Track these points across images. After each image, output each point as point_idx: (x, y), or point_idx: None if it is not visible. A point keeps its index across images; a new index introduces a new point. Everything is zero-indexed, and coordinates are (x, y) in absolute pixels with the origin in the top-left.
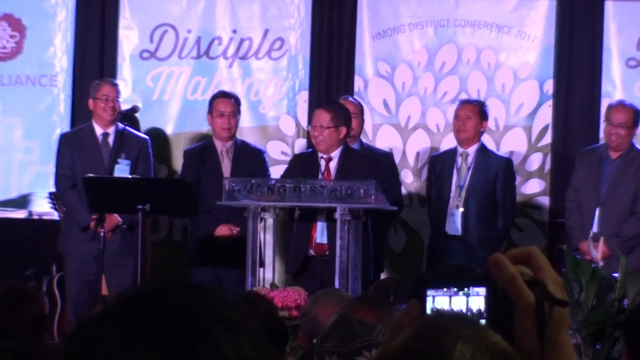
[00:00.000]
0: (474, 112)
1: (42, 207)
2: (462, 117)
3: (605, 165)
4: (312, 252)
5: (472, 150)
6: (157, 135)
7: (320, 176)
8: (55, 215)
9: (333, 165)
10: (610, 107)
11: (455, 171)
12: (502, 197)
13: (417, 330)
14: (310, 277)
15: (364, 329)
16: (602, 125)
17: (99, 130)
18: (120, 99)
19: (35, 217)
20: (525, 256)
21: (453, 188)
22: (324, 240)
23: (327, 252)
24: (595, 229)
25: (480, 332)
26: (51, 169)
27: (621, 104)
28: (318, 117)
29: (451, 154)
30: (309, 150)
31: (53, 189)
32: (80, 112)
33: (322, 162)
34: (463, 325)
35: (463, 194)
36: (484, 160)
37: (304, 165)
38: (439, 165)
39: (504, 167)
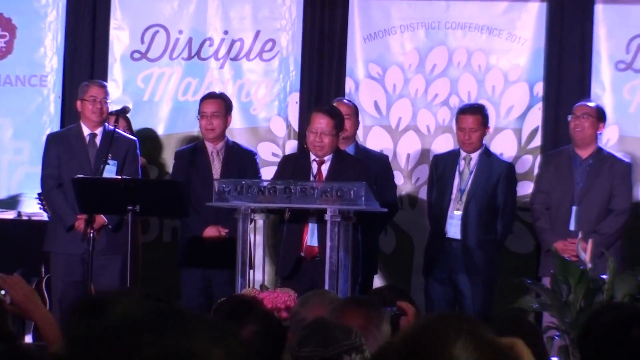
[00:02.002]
0: (478, 124)
1: (31, 207)
2: (466, 130)
3: (576, 166)
4: (302, 254)
5: (475, 154)
6: (148, 136)
7: (312, 178)
8: (44, 216)
9: (325, 168)
10: (576, 104)
11: (457, 174)
12: (503, 202)
13: (418, 326)
14: (301, 278)
15: (341, 332)
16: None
17: (86, 131)
18: (108, 100)
19: (25, 217)
20: (508, 347)
21: (454, 191)
22: (315, 243)
23: (317, 255)
24: (572, 227)
25: (480, 329)
26: (40, 169)
27: (586, 101)
28: (320, 123)
29: (454, 155)
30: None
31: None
32: (70, 113)
33: (314, 165)
34: (465, 322)
35: (464, 198)
36: (487, 165)
37: (294, 166)
38: (441, 166)
39: (507, 172)
